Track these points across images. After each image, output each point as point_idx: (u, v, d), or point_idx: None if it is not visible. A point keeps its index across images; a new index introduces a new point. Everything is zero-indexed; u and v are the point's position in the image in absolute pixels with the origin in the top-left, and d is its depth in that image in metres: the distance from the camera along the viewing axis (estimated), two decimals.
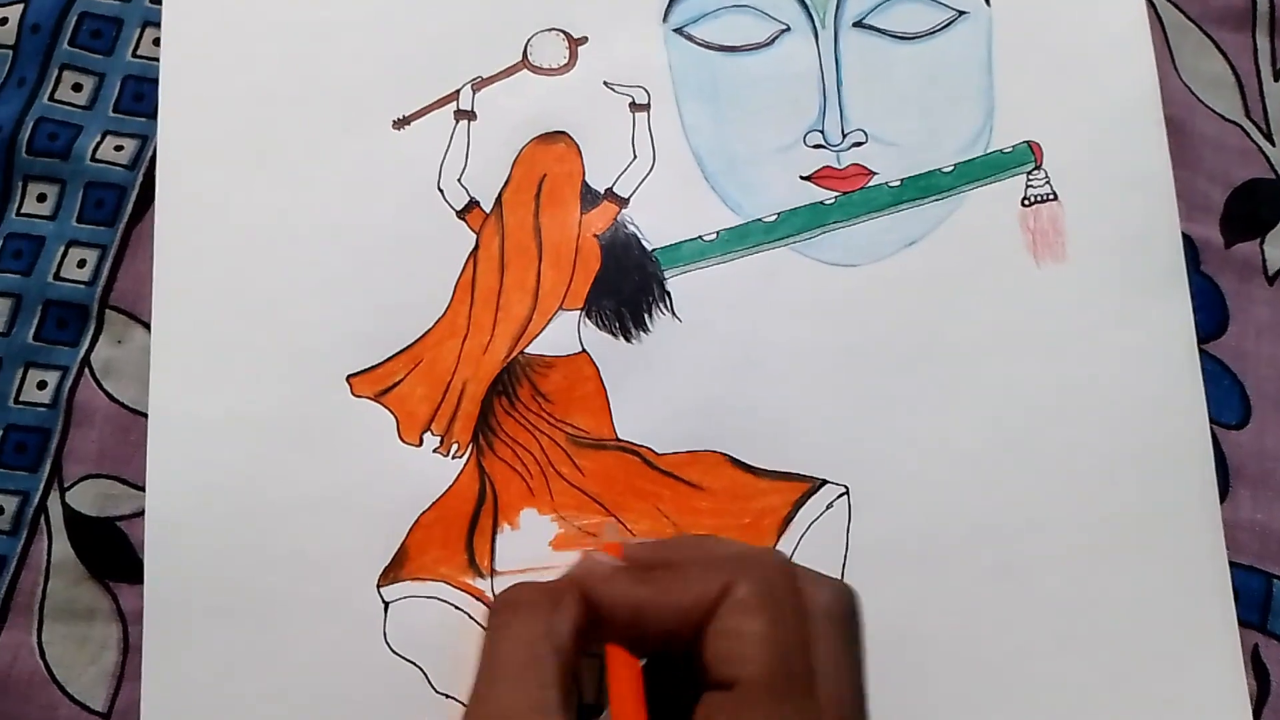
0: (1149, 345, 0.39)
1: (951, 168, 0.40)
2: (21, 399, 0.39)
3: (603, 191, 0.40)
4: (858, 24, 0.41)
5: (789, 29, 0.41)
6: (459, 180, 0.40)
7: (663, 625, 0.28)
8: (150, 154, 0.40)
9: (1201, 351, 0.39)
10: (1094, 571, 0.37)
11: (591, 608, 0.28)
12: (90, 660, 0.37)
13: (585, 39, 0.41)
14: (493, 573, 0.37)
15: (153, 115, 0.40)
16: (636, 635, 0.28)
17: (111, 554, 0.37)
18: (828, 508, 0.37)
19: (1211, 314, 0.40)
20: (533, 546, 0.37)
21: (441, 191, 0.40)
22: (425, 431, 0.38)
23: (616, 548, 0.31)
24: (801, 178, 0.40)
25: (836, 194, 0.40)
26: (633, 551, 0.31)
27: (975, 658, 0.37)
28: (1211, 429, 0.39)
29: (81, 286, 0.39)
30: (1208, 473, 0.38)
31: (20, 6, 0.42)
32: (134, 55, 0.41)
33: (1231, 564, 0.37)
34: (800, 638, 0.27)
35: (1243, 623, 0.37)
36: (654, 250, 0.39)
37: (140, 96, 0.41)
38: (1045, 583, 0.37)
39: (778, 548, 0.37)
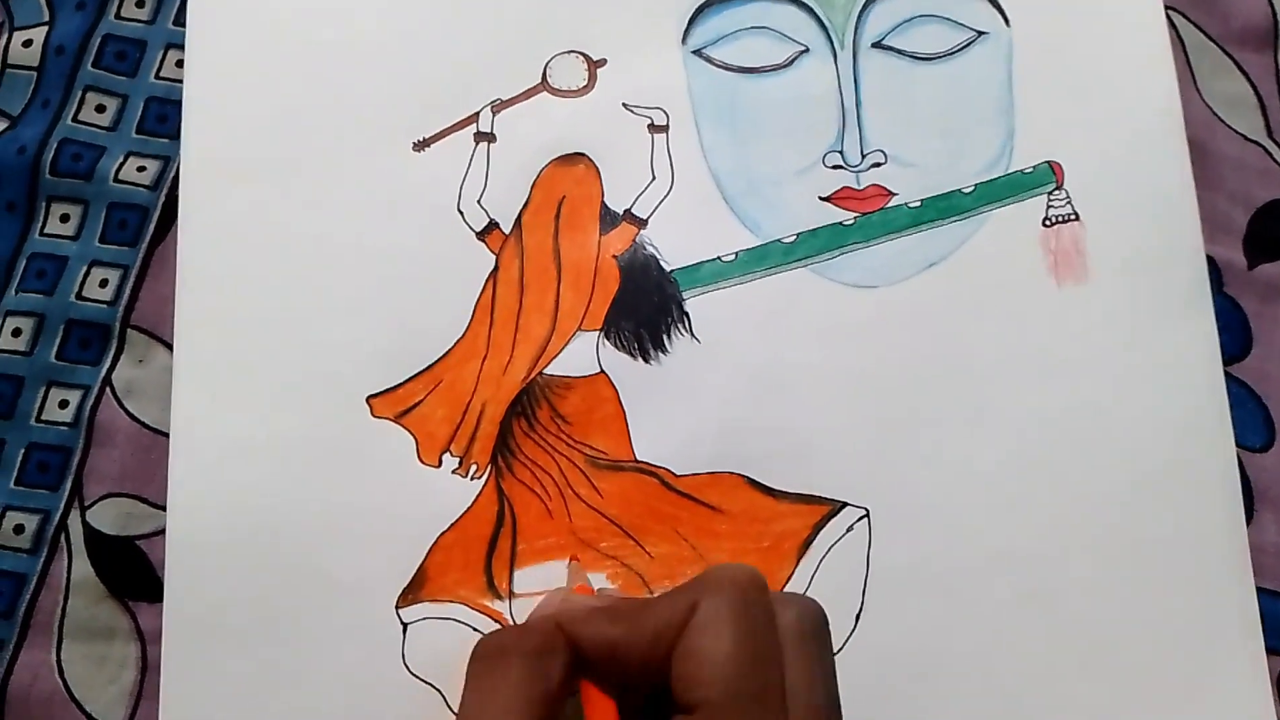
0: (1173, 367, 0.39)
1: (972, 188, 0.40)
2: (43, 418, 0.39)
3: (621, 213, 0.40)
4: (877, 45, 0.41)
5: (807, 50, 0.41)
6: (479, 202, 0.40)
7: (638, 658, 0.27)
8: (173, 175, 0.41)
9: (1225, 374, 0.39)
10: (1118, 596, 0.37)
11: (574, 650, 0.28)
12: (109, 679, 0.37)
13: (604, 61, 0.41)
14: (511, 595, 0.37)
15: (175, 137, 0.41)
16: (615, 673, 0.28)
17: (131, 573, 0.38)
18: (848, 530, 0.37)
19: (1235, 336, 0.40)
20: (550, 569, 0.37)
21: (461, 213, 0.40)
22: (444, 453, 0.38)
23: (586, 590, 0.31)
24: (821, 198, 0.40)
25: (856, 215, 0.40)
26: (605, 595, 0.31)
27: (997, 681, 0.36)
28: (1236, 452, 0.38)
29: (103, 306, 0.40)
30: (1234, 496, 0.38)
31: (44, 28, 0.42)
32: (157, 77, 0.42)
33: (1257, 589, 0.37)
34: (769, 655, 0.26)
35: (1269, 649, 0.37)
36: (673, 271, 0.39)
37: (163, 118, 0.41)
38: (1067, 607, 0.37)
39: (798, 570, 0.37)
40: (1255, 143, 0.42)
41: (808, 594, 0.36)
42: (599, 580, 0.36)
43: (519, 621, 0.36)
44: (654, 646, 0.27)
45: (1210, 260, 0.40)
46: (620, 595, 0.32)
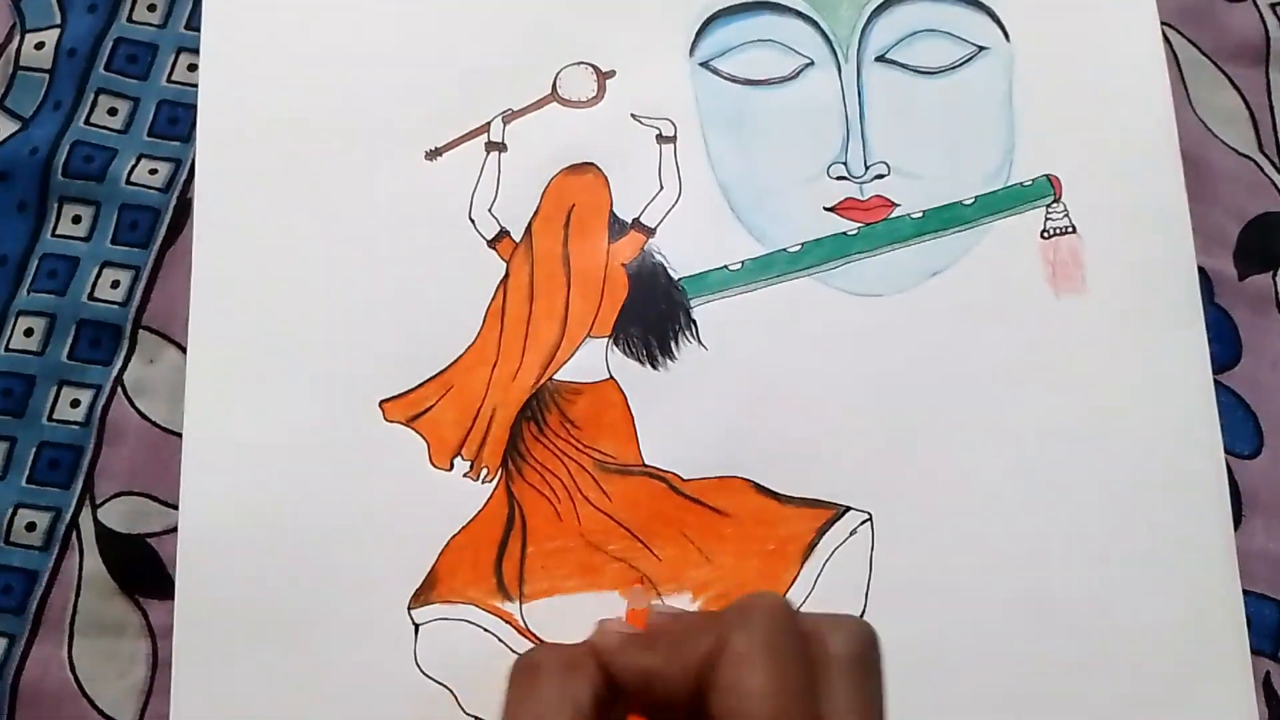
0: (1165, 375, 0.39)
1: (972, 200, 0.41)
2: (55, 417, 0.39)
3: (630, 221, 0.40)
4: (880, 59, 0.42)
5: (812, 63, 0.42)
6: (489, 210, 0.40)
7: (674, 689, 0.27)
8: (184, 178, 0.41)
9: (1215, 382, 0.40)
10: (1110, 598, 0.38)
11: (608, 677, 0.28)
12: (119, 675, 0.37)
13: (613, 72, 0.42)
14: (521, 596, 0.37)
15: (187, 140, 0.41)
16: (655, 703, 0.28)
17: (142, 570, 0.38)
18: (851, 534, 0.38)
19: (1225, 345, 0.41)
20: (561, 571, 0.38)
21: (472, 221, 0.40)
22: (455, 456, 0.38)
23: (642, 614, 0.31)
24: (825, 209, 0.41)
25: (859, 225, 0.41)
26: (654, 619, 0.31)
27: (994, 681, 0.37)
28: (1225, 459, 0.39)
29: (115, 307, 0.40)
30: (1223, 502, 0.39)
31: (57, 31, 0.42)
32: (169, 80, 0.42)
33: (1244, 592, 0.38)
34: (803, 686, 0.26)
35: (1255, 650, 0.38)
36: (680, 279, 0.40)
37: (175, 121, 0.42)
38: (1062, 610, 0.38)
39: (803, 573, 0.37)
40: (1247, 157, 0.43)
41: (811, 596, 0.37)
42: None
43: (528, 622, 0.37)
44: (688, 678, 0.27)
45: (1202, 271, 0.41)
46: (669, 615, 0.32)
